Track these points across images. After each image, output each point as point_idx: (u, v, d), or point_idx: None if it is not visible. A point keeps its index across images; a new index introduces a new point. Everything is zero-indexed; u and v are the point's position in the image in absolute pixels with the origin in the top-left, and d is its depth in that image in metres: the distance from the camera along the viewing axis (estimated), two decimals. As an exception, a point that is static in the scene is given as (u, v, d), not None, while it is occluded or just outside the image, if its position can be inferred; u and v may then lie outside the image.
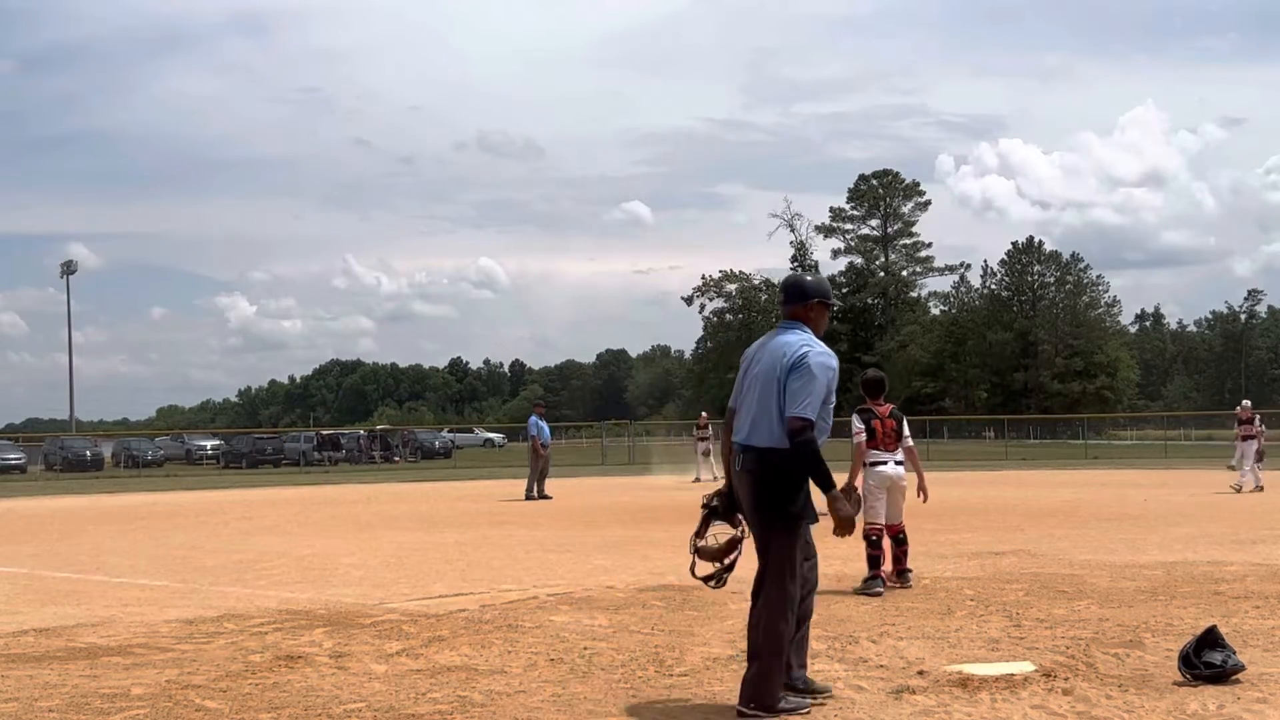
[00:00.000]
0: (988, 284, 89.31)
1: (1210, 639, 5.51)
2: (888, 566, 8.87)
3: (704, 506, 5.35)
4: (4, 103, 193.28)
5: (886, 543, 8.92)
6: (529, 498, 21.58)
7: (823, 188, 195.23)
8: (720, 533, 5.29)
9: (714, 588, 5.38)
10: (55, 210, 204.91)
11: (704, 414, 32.08)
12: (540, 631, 7.12)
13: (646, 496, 22.32)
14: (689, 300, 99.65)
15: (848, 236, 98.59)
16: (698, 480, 27.35)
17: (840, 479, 5.33)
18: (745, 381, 5.24)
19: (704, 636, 6.86)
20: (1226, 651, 5.47)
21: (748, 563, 5.24)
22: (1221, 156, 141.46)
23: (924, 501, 9.33)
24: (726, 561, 5.26)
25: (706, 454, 28.05)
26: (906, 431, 9.11)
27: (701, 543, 5.27)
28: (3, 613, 8.49)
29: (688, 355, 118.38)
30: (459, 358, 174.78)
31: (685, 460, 32.02)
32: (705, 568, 5.32)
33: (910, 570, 8.96)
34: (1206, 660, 5.44)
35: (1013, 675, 5.69)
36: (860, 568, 10.02)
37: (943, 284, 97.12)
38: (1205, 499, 19.08)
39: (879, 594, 8.45)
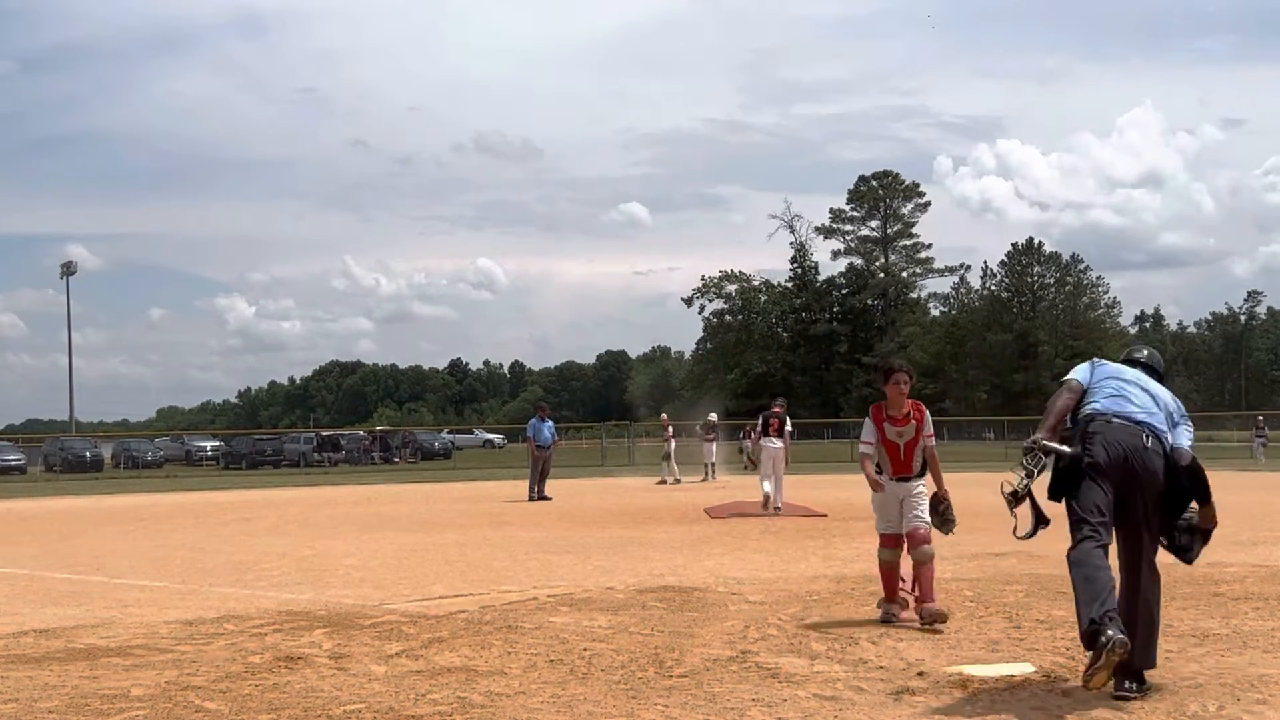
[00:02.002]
0: (987, 285, 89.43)
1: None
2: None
3: (1047, 456, 5.39)
4: (4, 103, 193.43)
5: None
6: (531, 499, 21.61)
7: (822, 189, 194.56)
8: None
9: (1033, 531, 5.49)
10: (55, 211, 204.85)
11: (665, 415, 32.60)
12: (540, 633, 7.12)
13: (646, 497, 22.32)
14: (689, 301, 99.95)
15: (847, 238, 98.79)
16: (677, 481, 27.27)
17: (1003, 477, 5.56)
18: (1120, 380, 5.61)
19: (704, 638, 6.86)
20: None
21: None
22: (1220, 157, 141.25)
23: None
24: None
25: (667, 456, 28.32)
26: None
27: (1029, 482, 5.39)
28: (3, 613, 8.48)
29: (688, 356, 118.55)
30: (459, 359, 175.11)
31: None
32: (1025, 519, 5.48)
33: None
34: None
35: (1013, 676, 5.69)
36: (863, 568, 10.00)
37: (942, 285, 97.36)
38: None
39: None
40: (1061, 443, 5.44)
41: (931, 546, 7.34)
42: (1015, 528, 5.53)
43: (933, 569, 7.30)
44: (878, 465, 7.50)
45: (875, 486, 7.48)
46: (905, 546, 7.41)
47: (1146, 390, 5.61)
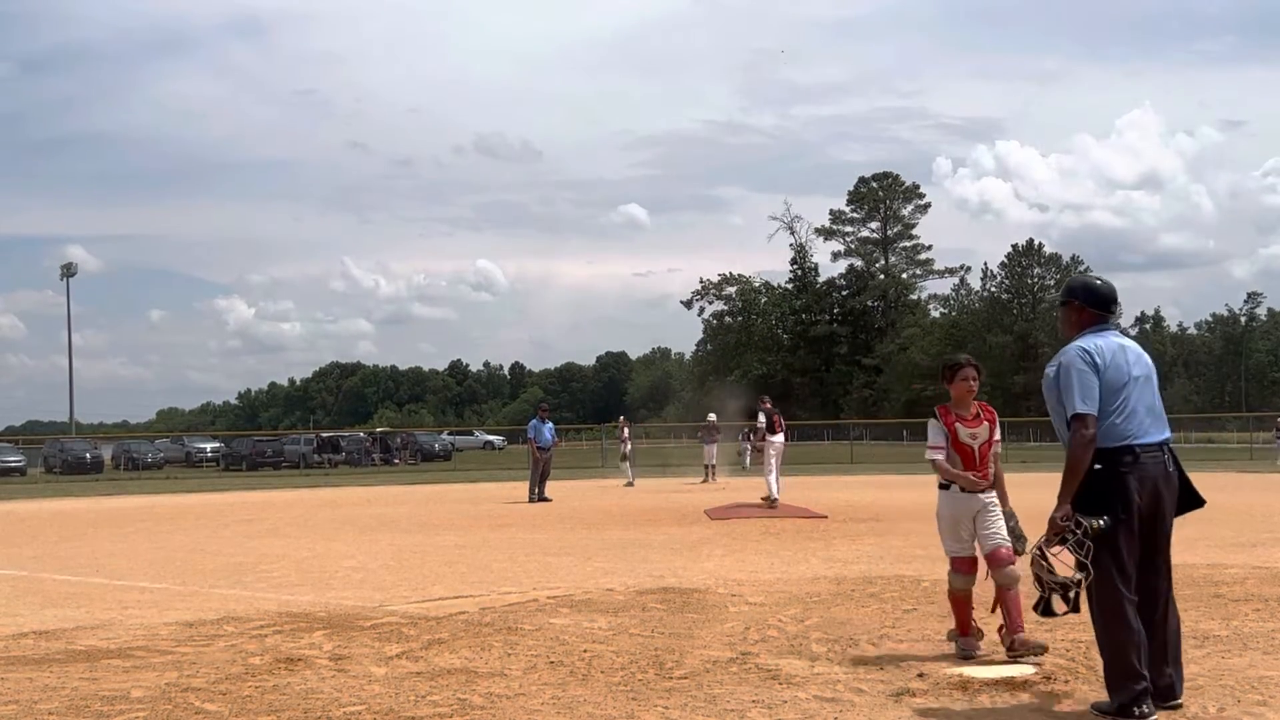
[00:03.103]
0: (987, 286, 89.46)
1: None
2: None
3: (1091, 535, 4.96)
4: (4, 105, 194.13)
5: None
6: (531, 500, 21.61)
7: (822, 190, 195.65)
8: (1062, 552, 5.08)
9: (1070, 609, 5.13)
10: (54, 213, 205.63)
11: (622, 417, 32.78)
12: (540, 634, 7.12)
13: (646, 498, 22.31)
14: (688, 304, 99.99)
15: (848, 239, 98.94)
16: (630, 484, 27.30)
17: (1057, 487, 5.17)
18: (1127, 383, 5.17)
19: (704, 639, 6.85)
20: None
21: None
22: (1219, 159, 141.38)
23: None
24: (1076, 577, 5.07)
25: (624, 458, 28.52)
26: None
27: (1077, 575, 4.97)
28: (2, 615, 8.48)
29: (688, 357, 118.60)
30: (459, 360, 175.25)
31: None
32: (1059, 601, 5.08)
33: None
34: None
35: (1013, 678, 5.69)
36: (863, 569, 9.98)
37: (943, 286, 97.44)
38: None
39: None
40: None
41: (1017, 569, 6.29)
42: (1042, 603, 5.14)
43: (1019, 594, 6.32)
44: None
45: (963, 481, 6.43)
46: (980, 571, 6.53)
47: (1145, 376, 5.23)
